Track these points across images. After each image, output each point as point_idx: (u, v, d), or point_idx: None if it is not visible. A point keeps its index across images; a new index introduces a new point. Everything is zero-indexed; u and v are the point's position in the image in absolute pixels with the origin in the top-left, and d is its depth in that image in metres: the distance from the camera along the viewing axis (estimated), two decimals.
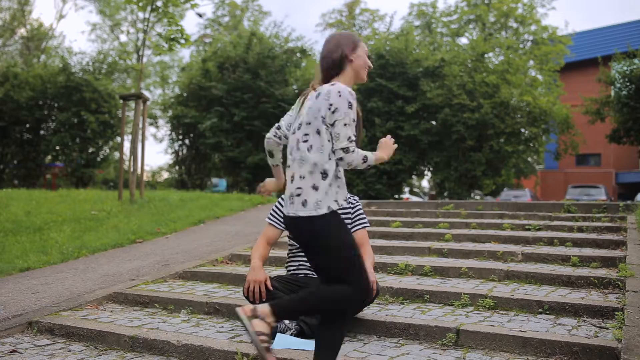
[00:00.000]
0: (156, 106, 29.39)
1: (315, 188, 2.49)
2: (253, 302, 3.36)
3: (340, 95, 2.50)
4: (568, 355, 2.92)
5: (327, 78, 2.67)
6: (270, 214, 3.71)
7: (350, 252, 2.48)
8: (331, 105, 2.49)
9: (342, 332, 2.53)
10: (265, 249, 3.60)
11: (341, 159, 2.48)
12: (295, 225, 2.56)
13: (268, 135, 2.90)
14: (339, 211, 2.54)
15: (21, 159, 23.63)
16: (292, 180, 2.57)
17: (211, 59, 23.56)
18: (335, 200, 2.51)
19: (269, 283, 3.36)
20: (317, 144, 2.52)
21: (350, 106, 2.49)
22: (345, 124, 2.47)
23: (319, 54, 2.76)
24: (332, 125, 2.49)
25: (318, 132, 2.52)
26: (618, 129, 19.97)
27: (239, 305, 3.80)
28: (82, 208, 9.06)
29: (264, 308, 2.45)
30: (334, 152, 2.51)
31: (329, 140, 2.52)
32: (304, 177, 2.52)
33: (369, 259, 3.49)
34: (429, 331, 3.26)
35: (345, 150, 2.46)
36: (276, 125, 2.91)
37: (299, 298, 2.52)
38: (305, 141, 2.55)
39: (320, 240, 2.48)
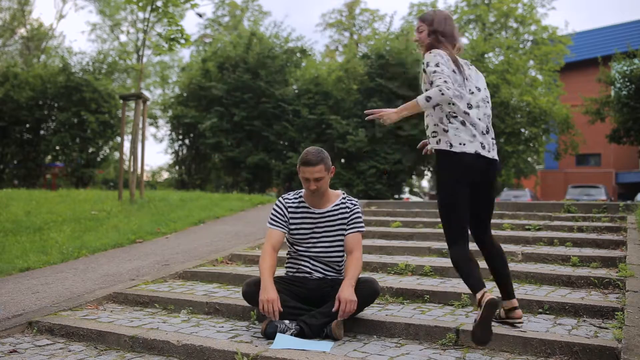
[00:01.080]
0: (156, 106, 29.39)
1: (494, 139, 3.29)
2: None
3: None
4: (568, 355, 2.92)
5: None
6: (271, 217, 3.59)
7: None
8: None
9: None
10: (272, 258, 3.45)
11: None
12: (492, 167, 3.16)
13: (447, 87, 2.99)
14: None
15: (21, 159, 23.63)
16: (487, 132, 3.18)
17: (211, 59, 23.56)
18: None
19: (279, 303, 3.25)
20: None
21: None
22: None
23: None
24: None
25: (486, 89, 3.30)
26: (618, 129, 19.97)
27: (239, 305, 3.82)
28: (82, 208, 9.06)
29: None
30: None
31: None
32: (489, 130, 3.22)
33: (355, 270, 3.36)
34: (429, 331, 3.26)
35: None
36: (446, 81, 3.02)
37: None
38: (489, 102, 3.30)
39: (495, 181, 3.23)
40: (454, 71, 3.12)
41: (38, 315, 3.84)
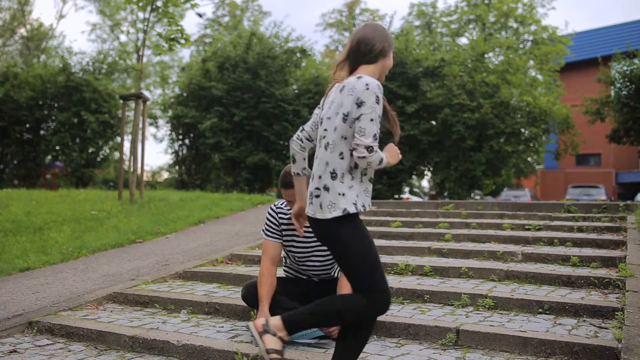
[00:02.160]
0: (156, 106, 29.36)
1: (326, 189, 2.39)
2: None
3: (367, 89, 2.33)
4: (568, 355, 2.92)
5: (355, 63, 2.49)
6: (267, 228, 3.41)
7: (359, 259, 2.34)
8: (358, 99, 2.34)
9: (359, 340, 2.46)
10: (271, 275, 3.26)
11: (363, 157, 2.29)
12: (314, 225, 2.47)
13: (293, 137, 2.74)
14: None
15: (21, 159, 23.60)
16: (312, 179, 2.49)
17: (211, 59, 23.53)
18: (354, 203, 2.35)
19: None
20: (334, 142, 2.40)
21: (377, 100, 2.34)
22: (371, 119, 2.31)
23: (354, 35, 2.53)
24: (358, 119, 2.32)
25: (335, 129, 2.40)
26: (618, 129, 19.96)
27: (239, 305, 3.82)
28: (82, 208, 9.06)
29: (275, 322, 2.41)
30: (352, 149, 2.33)
31: (345, 138, 2.37)
32: (320, 177, 2.42)
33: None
34: (429, 331, 3.26)
35: (370, 149, 2.28)
36: (301, 126, 2.73)
37: (310, 311, 2.43)
38: (324, 137, 2.46)
39: (332, 243, 2.41)
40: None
41: (38, 315, 3.84)
